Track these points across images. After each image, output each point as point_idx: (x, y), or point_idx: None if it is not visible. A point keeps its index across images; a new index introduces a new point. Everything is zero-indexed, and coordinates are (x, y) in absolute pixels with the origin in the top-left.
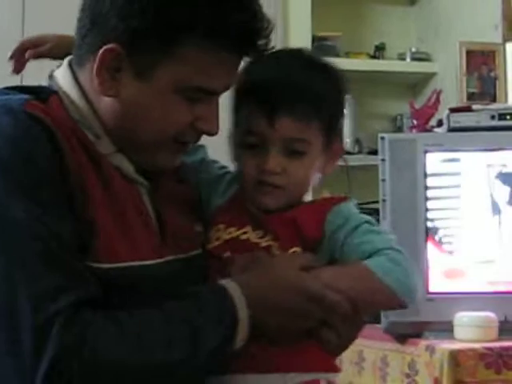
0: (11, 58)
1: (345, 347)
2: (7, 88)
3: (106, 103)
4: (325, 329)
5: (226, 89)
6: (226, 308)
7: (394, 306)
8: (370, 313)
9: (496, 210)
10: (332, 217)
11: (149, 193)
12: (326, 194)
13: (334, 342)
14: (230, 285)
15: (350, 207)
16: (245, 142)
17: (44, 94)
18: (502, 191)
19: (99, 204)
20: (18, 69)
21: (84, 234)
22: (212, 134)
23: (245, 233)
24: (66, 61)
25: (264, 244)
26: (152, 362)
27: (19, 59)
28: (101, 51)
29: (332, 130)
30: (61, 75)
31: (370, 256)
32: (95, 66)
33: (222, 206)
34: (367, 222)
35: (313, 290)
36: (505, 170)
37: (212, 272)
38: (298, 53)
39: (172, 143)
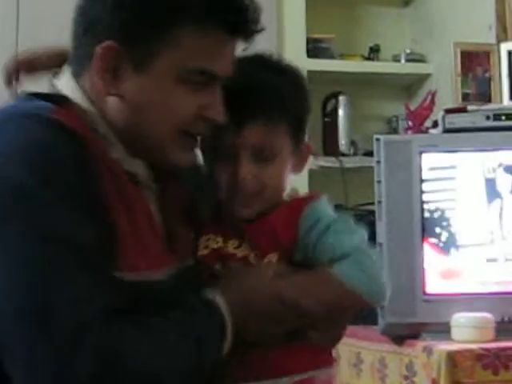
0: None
1: (333, 342)
2: (24, 94)
3: (111, 105)
4: (309, 329)
5: (226, 74)
6: (218, 319)
7: (362, 307)
8: (345, 315)
9: (492, 210)
10: (304, 219)
11: (156, 197)
12: (297, 194)
13: (319, 340)
14: (215, 295)
15: (321, 205)
16: (215, 154)
17: (61, 103)
18: (499, 192)
19: (117, 211)
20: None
21: (108, 242)
22: (219, 122)
23: (220, 242)
24: (66, 70)
25: (240, 254)
26: (178, 369)
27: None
28: (98, 51)
29: (299, 131)
30: (64, 85)
31: (339, 257)
32: (95, 68)
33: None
34: (338, 220)
35: (287, 296)
36: (499, 172)
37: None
38: (258, 58)
39: (181, 137)
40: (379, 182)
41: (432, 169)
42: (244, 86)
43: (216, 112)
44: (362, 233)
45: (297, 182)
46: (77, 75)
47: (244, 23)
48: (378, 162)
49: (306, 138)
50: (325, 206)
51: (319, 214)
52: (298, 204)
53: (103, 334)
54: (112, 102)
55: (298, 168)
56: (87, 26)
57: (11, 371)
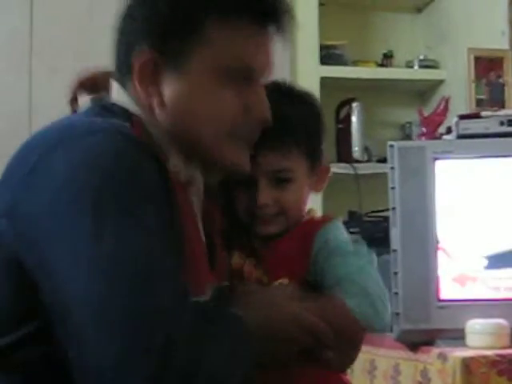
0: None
1: (347, 363)
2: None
3: (157, 113)
4: (324, 350)
5: (266, 69)
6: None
7: (364, 331)
8: (358, 338)
9: (507, 216)
10: (314, 243)
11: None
12: (314, 213)
13: (334, 361)
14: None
15: (332, 228)
16: (232, 182)
17: (125, 117)
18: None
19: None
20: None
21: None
22: (266, 121)
23: (237, 259)
24: (113, 86)
25: (255, 274)
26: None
27: None
28: (135, 61)
29: (314, 154)
30: (120, 95)
31: (342, 277)
32: (137, 79)
33: None
34: (346, 242)
35: (305, 319)
36: None
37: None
38: (271, 85)
39: (232, 140)
40: (393, 188)
41: (446, 175)
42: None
43: (262, 111)
44: (371, 257)
45: None
46: (122, 83)
47: (272, 10)
48: (392, 168)
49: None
50: (335, 229)
51: (327, 236)
52: (311, 230)
53: (190, 347)
54: (157, 110)
55: (317, 188)
56: (125, 41)
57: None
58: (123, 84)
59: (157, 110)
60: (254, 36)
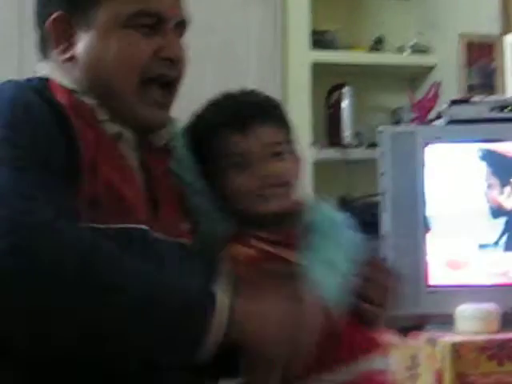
0: None
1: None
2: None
3: (73, 71)
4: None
5: (173, 14)
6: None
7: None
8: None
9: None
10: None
11: (142, 163)
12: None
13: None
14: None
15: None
16: (230, 164)
17: (43, 83)
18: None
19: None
20: None
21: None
22: (175, 58)
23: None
24: (39, 57)
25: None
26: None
27: None
28: (48, 24)
29: (292, 140)
30: (41, 68)
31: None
32: (52, 41)
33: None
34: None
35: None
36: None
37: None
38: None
39: (142, 87)
40: (383, 173)
41: (436, 160)
42: (241, 100)
43: (172, 50)
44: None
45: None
46: (46, 56)
47: None
48: (383, 153)
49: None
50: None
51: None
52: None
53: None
54: (73, 67)
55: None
56: (37, 10)
57: None
58: (48, 57)
59: (73, 66)
60: None
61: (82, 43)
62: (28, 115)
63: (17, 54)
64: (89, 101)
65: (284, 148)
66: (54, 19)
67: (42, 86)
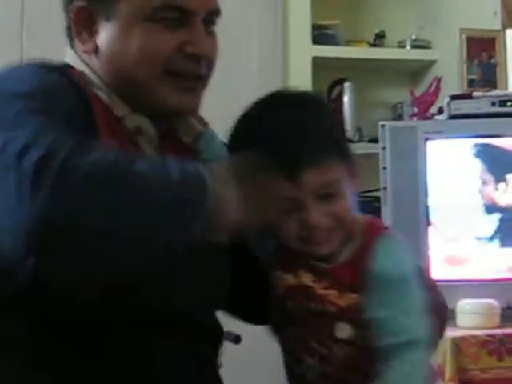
0: None
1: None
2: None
3: (96, 62)
4: None
5: (202, 7)
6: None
7: None
8: None
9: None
10: (370, 263)
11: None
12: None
13: None
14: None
15: (387, 252)
16: (273, 210)
17: (63, 67)
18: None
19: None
20: None
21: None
22: (202, 56)
23: (293, 279)
24: (67, 52)
25: (320, 289)
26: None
27: None
28: (70, 13)
29: (347, 155)
30: (68, 58)
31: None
32: (74, 31)
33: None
34: (401, 281)
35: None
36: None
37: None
38: (277, 98)
39: (168, 78)
40: (384, 168)
41: (437, 155)
42: (288, 136)
43: (198, 46)
44: (421, 299)
45: None
46: (72, 46)
47: None
48: (384, 148)
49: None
50: (391, 252)
51: (382, 266)
52: (368, 243)
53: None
54: (95, 58)
55: (354, 184)
56: (66, 2)
57: None
58: (69, 38)
59: (93, 58)
60: None
61: (104, 35)
62: (55, 88)
63: (19, 52)
64: (103, 96)
65: (336, 187)
66: (76, 9)
67: (65, 70)
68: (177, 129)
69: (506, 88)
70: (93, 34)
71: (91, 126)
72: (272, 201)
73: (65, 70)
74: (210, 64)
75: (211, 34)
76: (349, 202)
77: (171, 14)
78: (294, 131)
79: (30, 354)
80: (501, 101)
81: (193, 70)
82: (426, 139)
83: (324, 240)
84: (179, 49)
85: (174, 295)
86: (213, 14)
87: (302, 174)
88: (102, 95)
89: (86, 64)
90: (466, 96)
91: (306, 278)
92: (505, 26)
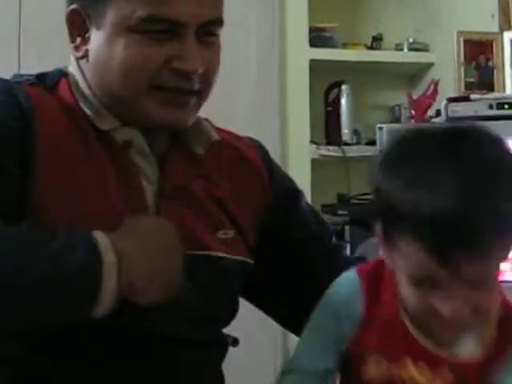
0: None
1: None
2: (23, 75)
3: (87, 69)
4: None
5: (193, 19)
6: (87, 238)
7: None
8: None
9: None
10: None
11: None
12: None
13: None
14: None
15: None
16: (413, 279)
17: (54, 79)
18: None
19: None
20: None
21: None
22: (190, 72)
23: (386, 365)
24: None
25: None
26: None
27: None
28: (65, 16)
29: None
30: (71, 63)
31: None
32: (69, 34)
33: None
34: None
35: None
36: None
37: None
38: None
39: (156, 93)
40: None
41: None
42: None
43: (186, 62)
44: None
45: (299, 172)
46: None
47: None
48: (381, 150)
49: None
50: None
51: None
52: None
53: None
54: (87, 66)
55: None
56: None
57: None
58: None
59: (86, 65)
60: None
61: (94, 42)
62: None
63: (16, 55)
64: (86, 110)
65: (491, 274)
66: (70, 12)
67: (12, 89)
68: (188, 139)
69: (504, 91)
70: (86, 40)
71: (31, 147)
72: (178, 272)
73: (12, 88)
74: (204, 78)
75: (209, 45)
76: (497, 291)
77: (159, 25)
78: (478, 197)
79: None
80: (498, 103)
81: (181, 86)
82: None
83: (455, 329)
84: (166, 63)
85: (157, 320)
86: (210, 25)
87: (463, 261)
88: (86, 108)
89: (81, 71)
90: (464, 99)
91: (416, 370)
92: (502, 29)
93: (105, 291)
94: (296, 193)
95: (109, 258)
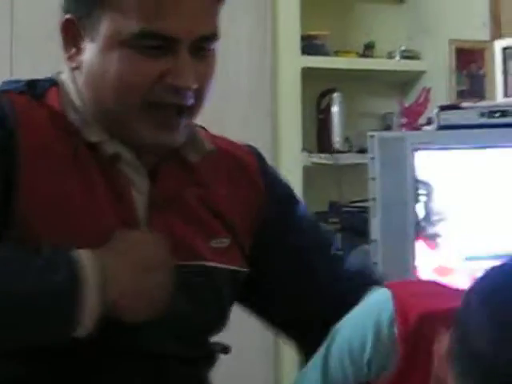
0: None
1: None
2: (14, 81)
3: (80, 79)
4: None
5: (188, 34)
6: (66, 257)
7: None
8: None
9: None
10: None
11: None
12: None
13: None
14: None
15: None
16: None
17: (44, 86)
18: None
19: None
20: None
21: None
22: (184, 88)
23: None
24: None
25: None
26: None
27: None
28: (60, 25)
29: None
30: (64, 71)
31: None
32: (63, 44)
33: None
34: None
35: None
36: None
37: None
38: None
39: (146, 110)
40: (373, 178)
41: (426, 166)
42: None
43: (180, 77)
44: None
45: (291, 179)
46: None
47: None
48: (372, 158)
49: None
50: None
51: None
52: None
53: None
54: (81, 77)
55: None
56: (61, 9)
57: None
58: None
59: (77, 75)
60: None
61: (88, 54)
62: None
63: (8, 61)
64: (76, 121)
65: None
66: (64, 22)
67: (26, 90)
68: (182, 147)
69: (495, 99)
70: (80, 50)
71: (14, 158)
72: (165, 289)
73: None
74: (198, 93)
75: (203, 60)
76: None
77: (153, 41)
78: None
79: None
80: (489, 112)
81: (174, 102)
82: (415, 150)
83: None
84: (159, 79)
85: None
86: (204, 40)
87: None
88: (74, 119)
89: (74, 81)
90: (455, 107)
91: None
92: (493, 37)
93: (86, 312)
94: (293, 199)
95: (92, 277)
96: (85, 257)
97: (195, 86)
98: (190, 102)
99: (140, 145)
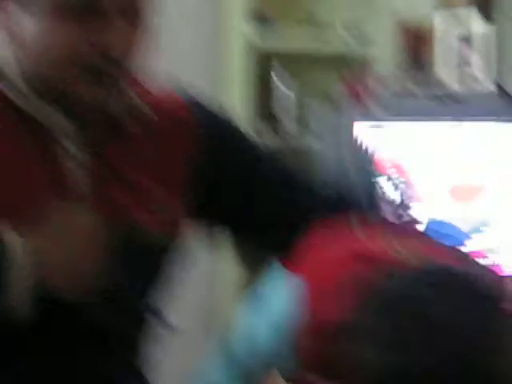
0: None
1: None
2: None
3: (15, 47)
4: None
5: (118, 3)
6: None
7: None
8: None
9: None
10: None
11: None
12: None
13: None
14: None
15: None
16: None
17: None
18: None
19: None
20: None
21: None
22: (114, 56)
23: None
24: None
25: None
26: None
27: None
28: None
29: None
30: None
31: None
32: None
33: None
34: None
35: None
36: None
37: None
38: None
39: (78, 70)
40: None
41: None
42: None
43: (104, 44)
44: None
45: None
46: None
47: None
48: (316, 137)
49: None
50: None
51: None
52: None
53: None
54: (8, 41)
55: None
56: None
57: None
58: None
59: (8, 41)
60: None
61: (20, 20)
62: None
63: None
64: (7, 90)
65: None
66: None
67: None
68: (121, 118)
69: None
70: (8, 15)
71: None
72: (98, 260)
73: None
74: (121, 62)
75: (132, 23)
76: None
77: (81, 9)
78: None
79: None
80: (437, 95)
81: (99, 67)
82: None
83: None
84: (90, 45)
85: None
86: (130, 8)
87: None
88: (7, 89)
89: (9, 46)
90: (403, 92)
91: None
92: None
93: (15, 291)
94: (227, 122)
95: (19, 256)
96: (12, 236)
97: (119, 50)
98: (112, 67)
99: (81, 106)
